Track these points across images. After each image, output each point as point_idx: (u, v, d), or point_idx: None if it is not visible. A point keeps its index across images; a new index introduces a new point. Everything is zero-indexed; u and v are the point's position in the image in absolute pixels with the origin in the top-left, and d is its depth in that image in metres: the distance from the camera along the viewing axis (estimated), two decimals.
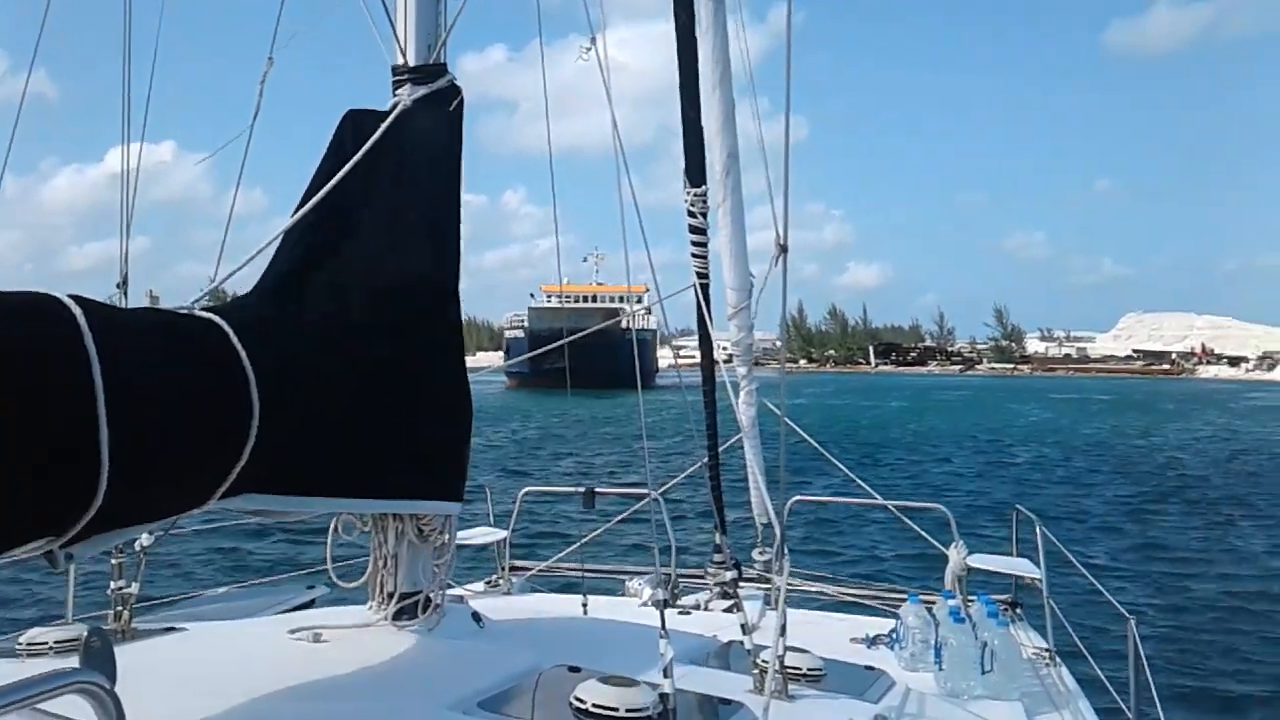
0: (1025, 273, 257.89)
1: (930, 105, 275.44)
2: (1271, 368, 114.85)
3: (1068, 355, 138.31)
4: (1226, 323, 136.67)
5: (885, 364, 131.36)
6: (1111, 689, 4.09)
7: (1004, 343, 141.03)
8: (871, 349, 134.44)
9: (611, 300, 78.86)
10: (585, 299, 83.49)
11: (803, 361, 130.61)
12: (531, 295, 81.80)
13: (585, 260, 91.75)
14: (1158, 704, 3.54)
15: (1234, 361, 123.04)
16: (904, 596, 4.40)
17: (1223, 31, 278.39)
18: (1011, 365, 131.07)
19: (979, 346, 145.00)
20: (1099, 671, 4.28)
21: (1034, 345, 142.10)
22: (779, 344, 5.48)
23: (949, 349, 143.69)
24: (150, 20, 4.25)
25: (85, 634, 1.47)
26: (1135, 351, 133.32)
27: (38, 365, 1.76)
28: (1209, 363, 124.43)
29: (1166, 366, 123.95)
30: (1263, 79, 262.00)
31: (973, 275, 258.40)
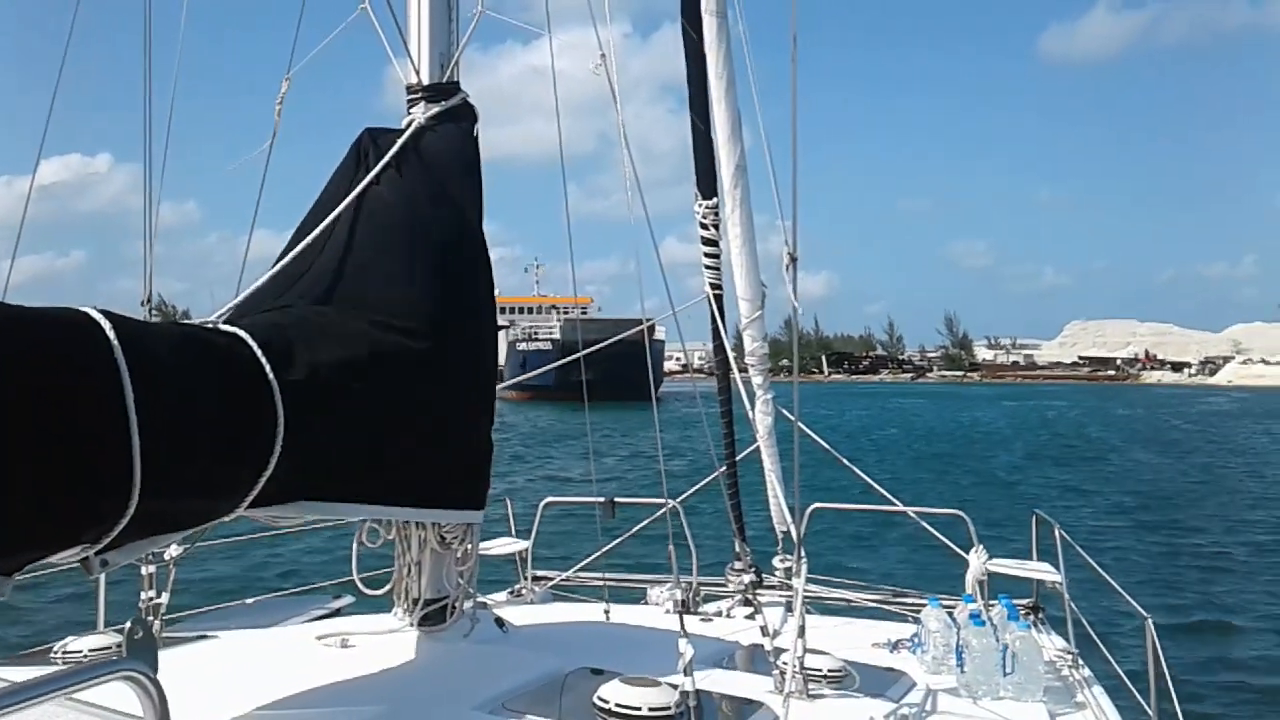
0: (969, 281, 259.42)
1: (868, 114, 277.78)
2: (1213, 373, 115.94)
3: (1015, 362, 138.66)
4: (1168, 329, 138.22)
5: (838, 373, 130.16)
6: (1133, 688, 4.08)
7: (954, 350, 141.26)
8: (824, 358, 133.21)
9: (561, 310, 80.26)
10: (543, 309, 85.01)
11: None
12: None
13: (526, 271, 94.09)
14: (1175, 701, 3.54)
15: (1176, 367, 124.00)
16: (925, 602, 4.41)
17: (1156, 40, 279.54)
18: (961, 373, 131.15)
19: (929, 354, 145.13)
20: (1120, 672, 4.28)
21: (982, 353, 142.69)
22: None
23: (900, 357, 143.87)
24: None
25: (128, 624, 1.52)
26: (1081, 358, 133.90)
27: (70, 377, 1.82)
28: (1153, 368, 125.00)
29: (1112, 373, 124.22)
30: (1197, 87, 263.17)
31: (918, 284, 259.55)
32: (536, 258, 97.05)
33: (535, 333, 76.19)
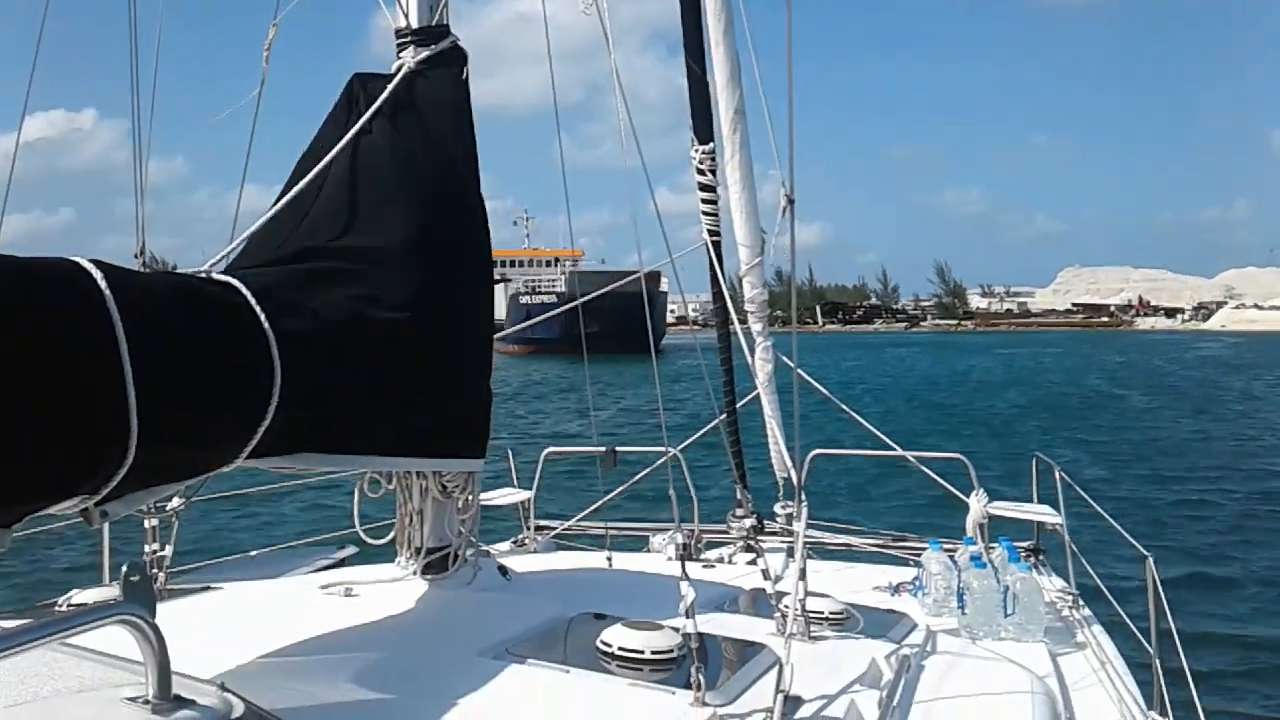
0: (963, 229, 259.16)
1: (857, 62, 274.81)
2: (1206, 318, 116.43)
3: (1009, 310, 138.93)
4: (1161, 275, 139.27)
5: (832, 323, 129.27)
6: (1134, 627, 4.11)
7: (947, 299, 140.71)
8: (818, 308, 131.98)
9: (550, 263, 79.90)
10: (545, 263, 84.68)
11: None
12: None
13: (515, 224, 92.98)
14: (1176, 639, 3.57)
15: (1170, 313, 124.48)
16: (926, 545, 4.43)
17: None
18: (955, 321, 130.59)
19: (923, 303, 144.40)
20: (1121, 612, 4.31)
21: (976, 301, 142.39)
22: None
23: (893, 306, 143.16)
24: None
25: (124, 569, 1.51)
26: (1075, 305, 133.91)
27: (62, 326, 1.80)
28: (1146, 314, 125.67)
29: (1105, 319, 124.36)
30: (1192, 29, 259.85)
31: (911, 232, 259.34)
32: (526, 210, 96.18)
33: (537, 285, 75.88)
